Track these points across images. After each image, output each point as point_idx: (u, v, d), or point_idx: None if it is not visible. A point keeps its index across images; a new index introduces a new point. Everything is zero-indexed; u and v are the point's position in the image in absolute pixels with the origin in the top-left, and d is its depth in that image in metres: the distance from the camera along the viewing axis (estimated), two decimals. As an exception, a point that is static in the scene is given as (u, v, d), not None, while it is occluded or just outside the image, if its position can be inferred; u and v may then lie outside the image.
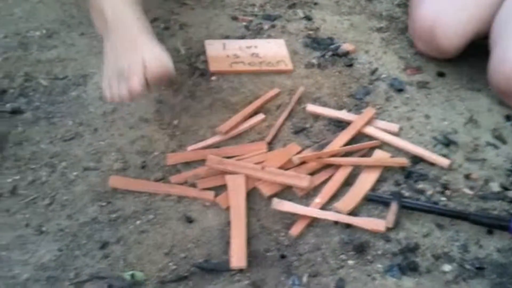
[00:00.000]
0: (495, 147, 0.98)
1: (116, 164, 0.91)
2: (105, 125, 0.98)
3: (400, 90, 1.09)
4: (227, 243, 0.80)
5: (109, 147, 0.94)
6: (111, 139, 0.96)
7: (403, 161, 0.93)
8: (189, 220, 0.84)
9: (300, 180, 0.88)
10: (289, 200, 0.86)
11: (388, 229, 0.83)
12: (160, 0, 1.29)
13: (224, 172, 0.89)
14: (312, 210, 0.85)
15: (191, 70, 1.11)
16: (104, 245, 0.80)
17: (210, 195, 0.87)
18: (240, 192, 0.86)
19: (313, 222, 0.84)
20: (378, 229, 0.83)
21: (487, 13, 1.07)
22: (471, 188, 0.91)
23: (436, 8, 1.07)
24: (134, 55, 0.87)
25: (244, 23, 1.25)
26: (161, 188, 0.88)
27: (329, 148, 0.94)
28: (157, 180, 0.89)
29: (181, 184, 0.88)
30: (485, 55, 1.17)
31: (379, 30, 1.25)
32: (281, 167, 0.90)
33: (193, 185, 0.88)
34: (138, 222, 0.83)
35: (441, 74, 1.13)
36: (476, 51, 1.19)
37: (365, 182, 0.90)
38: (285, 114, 1.02)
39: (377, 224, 0.83)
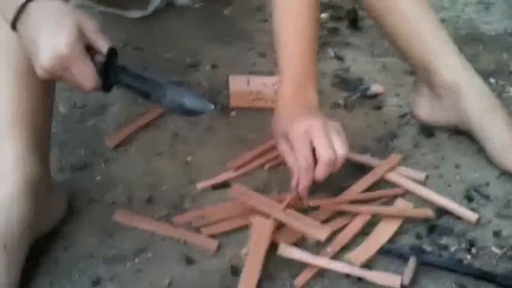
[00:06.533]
0: (530, 203, 0.89)
1: (122, 197, 0.89)
2: (116, 155, 0.96)
3: (429, 136, 1.02)
4: (226, 290, 0.75)
5: (117, 179, 0.92)
6: (121, 170, 0.94)
7: (428, 212, 0.86)
8: (189, 261, 0.79)
9: (318, 230, 0.81)
10: (299, 245, 0.80)
11: (404, 287, 0.76)
12: (189, 34, 1.29)
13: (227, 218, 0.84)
14: (321, 260, 0.79)
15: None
16: (96, 282, 0.76)
17: (213, 244, 0.81)
18: (263, 238, 0.79)
19: (322, 272, 0.78)
20: (393, 286, 0.76)
21: None
22: (500, 247, 0.82)
23: None
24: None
25: (273, 60, 1.22)
26: (162, 229, 0.83)
27: (348, 194, 0.89)
28: (161, 217, 0.86)
29: (186, 223, 0.84)
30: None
31: (412, 73, 1.20)
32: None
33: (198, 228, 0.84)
34: (136, 260, 0.79)
35: (475, 122, 1.06)
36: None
37: (383, 233, 0.83)
38: (303, 154, 0.97)
39: (392, 280, 0.76)
